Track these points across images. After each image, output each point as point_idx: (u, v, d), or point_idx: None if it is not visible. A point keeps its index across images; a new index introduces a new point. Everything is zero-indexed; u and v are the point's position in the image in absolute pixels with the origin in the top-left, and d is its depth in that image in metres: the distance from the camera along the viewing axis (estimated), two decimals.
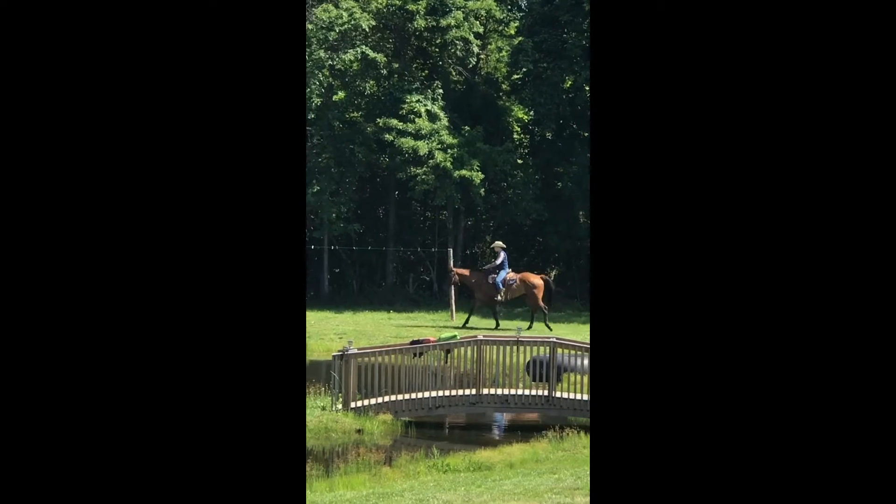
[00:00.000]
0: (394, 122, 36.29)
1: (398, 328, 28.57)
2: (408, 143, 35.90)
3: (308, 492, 11.68)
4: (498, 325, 29.19)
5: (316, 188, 36.62)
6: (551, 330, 28.11)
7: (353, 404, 16.51)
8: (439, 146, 36.07)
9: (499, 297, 29.66)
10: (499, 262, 29.81)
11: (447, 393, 17.09)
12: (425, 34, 38.53)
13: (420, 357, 17.20)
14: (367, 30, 37.71)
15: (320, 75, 37.00)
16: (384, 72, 38.02)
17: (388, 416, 16.39)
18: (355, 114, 38.39)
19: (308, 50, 37.11)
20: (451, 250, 33.91)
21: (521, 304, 30.90)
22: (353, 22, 36.91)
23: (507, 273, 29.73)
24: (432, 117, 36.72)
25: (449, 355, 17.61)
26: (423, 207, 42.79)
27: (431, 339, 18.24)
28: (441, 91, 37.82)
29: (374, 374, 16.82)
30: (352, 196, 38.15)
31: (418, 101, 36.88)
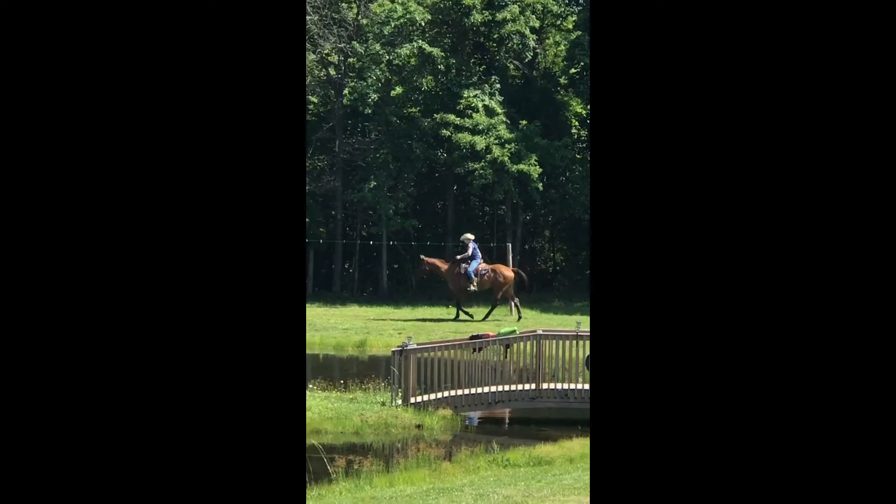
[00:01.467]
0: (451, 117, 36.28)
1: (457, 323, 28.57)
2: (465, 138, 35.88)
3: (368, 487, 11.69)
4: (462, 315, 29.65)
5: (373, 184, 36.71)
6: (519, 320, 28.85)
7: (412, 399, 16.51)
8: (497, 141, 36.02)
9: (471, 288, 30.02)
10: (469, 252, 30.21)
11: (507, 388, 17.04)
12: (482, 29, 38.48)
13: (479, 352, 17.16)
14: (423, 24, 37.71)
15: (377, 70, 37.06)
16: (441, 67, 38.02)
17: (447, 412, 16.38)
18: (413, 109, 38.43)
19: (364, 45, 37.21)
20: (510, 245, 33.87)
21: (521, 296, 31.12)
22: (408, 16, 36.94)
23: (479, 263, 30.10)
24: (490, 112, 36.66)
25: (508, 350, 17.56)
26: (482, 202, 42.76)
27: (491, 333, 18.20)
28: (498, 86, 37.75)
29: (433, 369, 16.82)
30: (409, 191, 38.19)
31: (476, 96, 36.84)
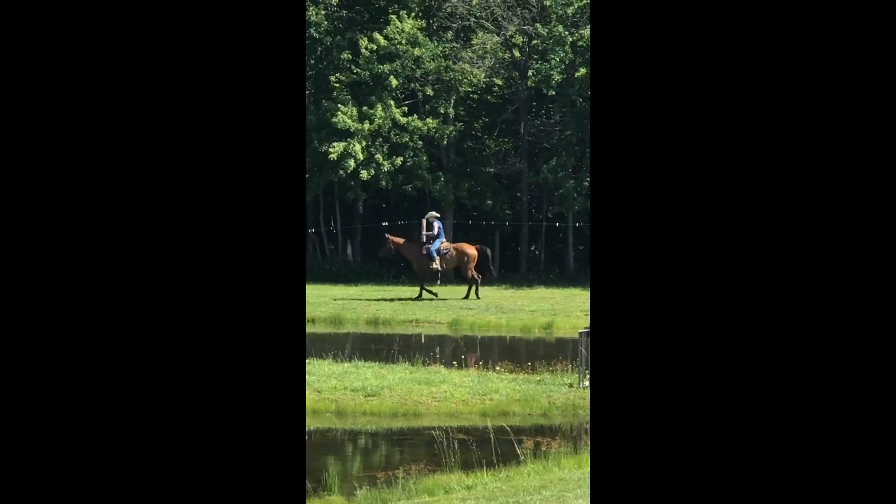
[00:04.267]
0: None
1: None
2: None
3: (556, 469, 11.69)
4: (425, 294, 29.77)
5: (553, 162, 36.62)
6: (479, 298, 28.97)
7: None
8: None
9: (433, 266, 29.96)
10: (434, 231, 30.13)
11: None
12: None
13: None
14: None
15: (561, 52, 36.91)
16: None
17: None
18: None
19: (547, 27, 37.11)
20: None
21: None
22: None
23: (442, 243, 30.07)
24: None
25: None
26: None
27: None
28: None
29: None
30: None
31: None
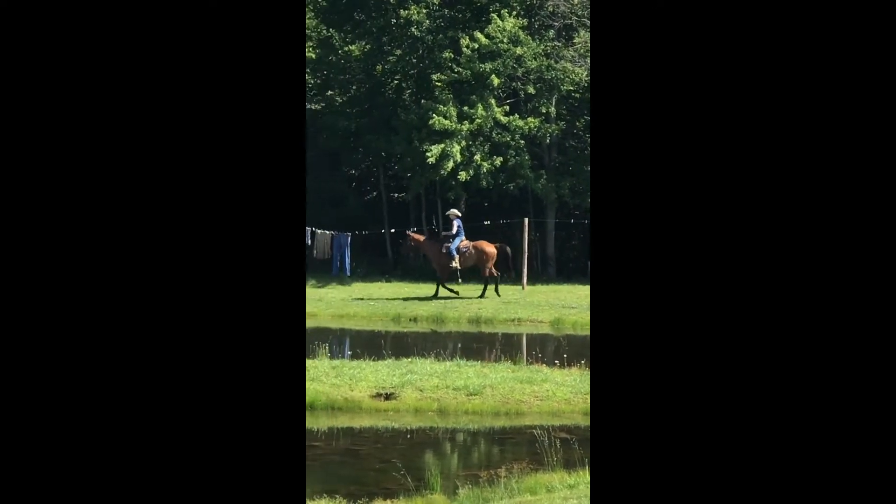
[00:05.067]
0: None
1: None
2: None
3: None
4: (446, 292, 29.60)
5: None
6: (499, 296, 28.79)
7: None
8: None
9: (453, 265, 29.72)
10: (453, 230, 29.94)
11: None
12: None
13: None
14: None
15: None
16: None
17: None
18: None
19: None
20: None
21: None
22: None
23: (461, 241, 29.82)
24: None
25: None
26: None
27: None
28: None
29: None
30: None
31: None
